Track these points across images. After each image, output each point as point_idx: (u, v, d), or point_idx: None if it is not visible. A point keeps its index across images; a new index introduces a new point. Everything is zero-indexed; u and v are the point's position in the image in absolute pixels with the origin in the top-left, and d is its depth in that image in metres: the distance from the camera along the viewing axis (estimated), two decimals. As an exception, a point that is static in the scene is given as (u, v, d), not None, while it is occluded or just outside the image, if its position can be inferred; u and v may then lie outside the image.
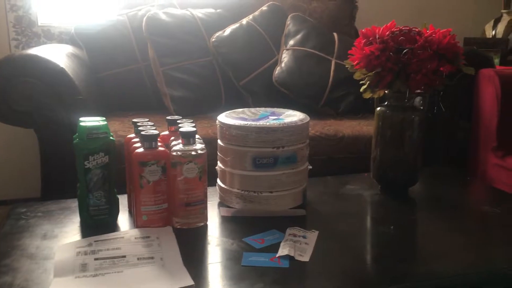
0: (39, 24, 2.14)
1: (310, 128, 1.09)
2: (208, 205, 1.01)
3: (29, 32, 2.13)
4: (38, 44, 2.13)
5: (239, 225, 1.00)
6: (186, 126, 1.00)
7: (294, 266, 0.82)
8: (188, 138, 0.95)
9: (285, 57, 1.99)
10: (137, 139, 0.99)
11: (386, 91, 1.15)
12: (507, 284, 0.85)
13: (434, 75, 1.07)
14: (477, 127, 1.81)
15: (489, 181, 1.71)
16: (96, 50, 1.90)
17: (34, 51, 1.51)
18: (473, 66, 1.14)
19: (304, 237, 0.93)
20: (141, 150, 0.93)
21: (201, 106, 1.90)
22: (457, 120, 1.86)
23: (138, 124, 1.02)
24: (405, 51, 1.06)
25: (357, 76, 1.15)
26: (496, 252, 0.92)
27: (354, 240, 0.95)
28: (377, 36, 1.08)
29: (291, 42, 2.04)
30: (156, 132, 0.95)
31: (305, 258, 0.85)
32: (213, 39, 1.95)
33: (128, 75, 1.93)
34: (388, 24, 1.10)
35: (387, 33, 1.08)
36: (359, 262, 0.86)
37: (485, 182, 1.70)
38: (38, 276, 0.78)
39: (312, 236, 0.93)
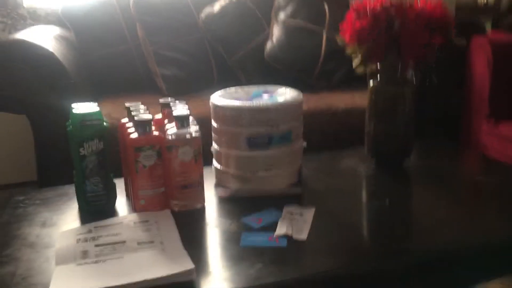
0: (25, 5, 2.10)
1: (303, 104, 1.09)
2: (205, 186, 1.01)
3: (15, 14, 2.08)
4: (24, 26, 2.08)
5: (236, 205, 1.01)
6: (180, 109, 1.00)
7: (292, 244, 0.84)
8: (182, 121, 0.95)
9: (276, 31, 1.97)
10: (130, 124, 0.99)
11: (378, 65, 1.15)
12: (503, 254, 0.86)
13: (425, 48, 1.07)
14: (469, 95, 1.82)
15: (482, 149, 1.72)
16: (84, 32, 1.88)
17: (21, 35, 1.49)
18: (465, 34, 1.14)
19: (301, 214, 0.94)
20: (135, 135, 0.93)
21: (193, 84, 1.89)
22: (449, 89, 1.87)
23: (131, 109, 1.02)
24: (396, 24, 1.05)
25: (349, 51, 1.15)
26: (491, 223, 0.93)
27: (350, 216, 0.96)
28: (368, 10, 1.07)
29: (282, 15, 2.01)
30: (149, 116, 0.94)
31: (303, 236, 0.86)
32: (203, 16, 1.93)
33: (118, 56, 1.91)
34: (379, -2, 1.09)
35: (379, 6, 1.07)
36: (356, 239, 0.88)
37: (478, 151, 1.71)
38: (40, 265, 0.79)
39: (309, 213, 0.94)
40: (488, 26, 2.47)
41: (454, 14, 2.56)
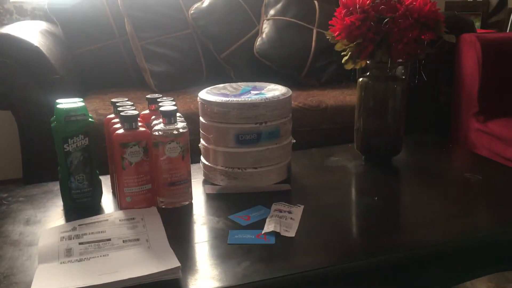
0: (11, 0, 2.06)
1: (293, 100, 1.09)
2: (193, 183, 1.00)
3: (0, 9, 2.05)
4: (10, 21, 2.06)
5: (224, 202, 1.00)
6: (167, 104, 0.98)
7: (280, 242, 0.83)
8: (169, 117, 0.93)
9: (266, 28, 1.96)
10: (117, 120, 0.97)
11: (368, 62, 1.14)
12: (491, 250, 0.86)
13: (415, 44, 1.07)
14: (458, 92, 1.82)
15: (471, 146, 1.73)
16: (71, 26, 1.85)
17: (6, 30, 1.46)
18: (454, 31, 1.13)
19: (289, 212, 0.93)
20: (121, 131, 0.92)
21: (182, 81, 1.88)
22: (439, 86, 1.87)
23: (118, 104, 1.00)
24: (386, 20, 1.04)
25: (338, 47, 1.14)
26: (479, 219, 0.93)
27: (339, 212, 0.95)
28: (357, 6, 1.06)
29: (272, 12, 2.00)
30: (136, 112, 0.93)
31: (291, 233, 0.85)
32: (192, 11, 1.91)
33: (106, 51, 1.89)
34: (369, -7, 1.08)
35: (368, 2, 1.06)
36: (345, 235, 0.87)
37: (467, 148, 1.72)
38: (23, 263, 0.77)
39: (298, 211, 0.93)
40: (478, 25, 2.48)
41: (443, 11, 2.57)
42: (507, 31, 2.49)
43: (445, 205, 0.98)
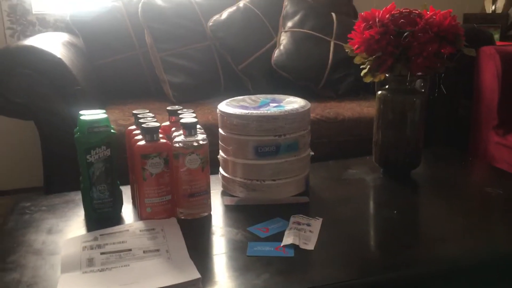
0: (34, 12, 2.11)
1: (310, 112, 1.09)
2: (212, 194, 1.01)
3: (24, 20, 2.10)
4: (33, 32, 2.10)
5: (243, 214, 1.00)
6: (187, 116, 0.99)
7: (299, 255, 0.83)
8: (189, 129, 0.94)
9: (284, 39, 1.97)
10: (138, 131, 0.99)
11: (387, 75, 1.14)
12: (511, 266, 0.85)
13: (435, 58, 1.06)
14: (478, 105, 1.81)
15: (491, 160, 1.71)
16: (92, 38, 1.89)
17: (30, 41, 1.50)
18: (473, 44, 1.13)
19: (308, 224, 0.93)
20: (142, 142, 0.93)
21: (201, 92, 1.89)
22: (458, 99, 1.86)
23: (139, 116, 1.02)
24: (405, 34, 1.04)
25: (357, 60, 1.14)
26: (499, 235, 0.92)
27: (358, 226, 0.95)
28: (377, 20, 1.07)
29: (289, 24, 2.02)
30: (157, 124, 0.94)
31: (310, 246, 0.85)
32: (210, 23, 1.93)
33: (126, 62, 1.92)
34: (388, 7, 1.09)
35: (387, 16, 1.07)
36: (363, 249, 0.87)
37: (486, 161, 1.70)
38: (45, 272, 0.79)
39: (316, 224, 0.94)
40: (497, 38, 2.46)
41: (462, 23, 2.56)
42: (527, 43, 2.47)
43: (465, 220, 0.97)
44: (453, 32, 1.07)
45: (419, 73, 1.11)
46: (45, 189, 1.54)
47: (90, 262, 0.80)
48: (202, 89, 1.91)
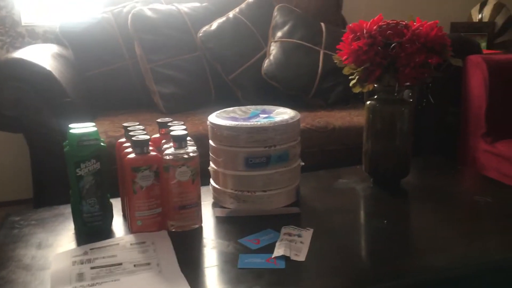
0: (23, 23, 2.11)
1: (300, 121, 1.10)
2: (202, 205, 1.01)
3: (13, 32, 2.10)
4: (22, 44, 2.10)
5: (234, 225, 1.00)
6: (177, 129, 0.99)
7: (290, 266, 0.83)
8: (179, 141, 0.95)
9: (273, 49, 1.98)
10: (128, 144, 0.99)
11: (375, 85, 1.15)
12: (502, 275, 0.86)
13: (422, 68, 1.08)
14: (466, 113, 1.83)
15: (479, 167, 1.73)
16: (82, 49, 1.88)
17: (19, 54, 1.49)
18: (461, 52, 1.15)
19: (299, 235, 0.93)
20: (132, 155, 0.93)
21: (191, 102, 1.90)
22: (446, 107, 1.87)
23: (129, 128, 1.02)
24: (393, 45, 1.06)
25: (346, 71, 1.15)
26: (489, 243, 0.93)
27: (348, 236, 0.96)
28: (364, 31, 1.08)
29: (279, 34, 2.03)
30: (147, 137, 0.94)
31: (301, 257, 0.85)
32: (200, 34, 1.94)
33: (116, 73, 1.91)
34: (375, 18, 1.10)
35: (375, 27, 1.08)
36: (354, 260, 0.87)
37: (475, 170, 1.72)
38: (35, 288, 0.78)
39: (307, 235, 0.94)
40: (484, 46, 2.49)
41: (449, 32, 2.59)
42: (514, 51, 2.51)
43: (455, 229, 0.98)
44: (440, 42, 1.08)
45: (407, 83, 1.12)
46: (34, 201, 1.53)
47: (80, 277, 0.79)
48: (192, 99, 1.91)
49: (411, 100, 1.19)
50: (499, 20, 2.56)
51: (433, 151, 1.79)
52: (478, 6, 2.66)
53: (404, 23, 1.10)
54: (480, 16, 2.63)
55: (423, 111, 1.62)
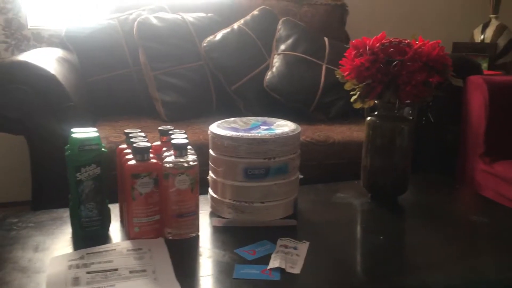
0: (29, 27, 2.13)
1: (301, 134, 1.11)
2: (200, 214, 1.01)
3: (18, 35, 2.11)
4: (28, 47, 2.11)
5: (230, 235, 1.00)
6: (178, 137, 1.00)
7: (285, 278, 0.83)
8: (180, 150, 0.95)
9: (276, 62, 2.00)
10: (129, 150, 1.00)
11: (376, 101, 1.16)
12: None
13: (423, 86, 1.09)
14: (465, 133, 1.83)
15: (477, 187, 1.73)
16: (87, 54, 1.90)
17: (24, 57, 1.51)
18: (462, 73, 1.16)
19: (295, 248, 0.94)
20: (133, 162, 0.93)
21: (193, 111, 1.91)
22: (446, 125, 1.88)
23: (130, 135, 1.02)
24: (395, 63, 1.07)
25: (347, 86, 1.16)
26: (485, 263, 0.93)
27: (344, 251, 0.96)
28: (367, 48, 1.09)
29: (282, 47, 2.05)
30: (148, 144, 0.95)
31: (296, 270, 0.86)
32: (205, 44, 1.95)
33: (119, 80, 1.93)
34: (378, 36, 1.11)
35: (377, 44, 1.09)
36: (349, 274, 0.87)
37: (473, 189, 1.72)
38: (30, 290, 0.78)
39: (303, 247, 0.94)
40: (485, 66, 2.51)
41: (451, 52, 2.61)
42: (515, 72, 2.53)
43: (451, 247, 0.98)
44: (441, 62, 1.09)
45: (408, 101, 1.13)
46: (32, 204, 1.53)
47: (76, 281, 0.80)
48: (194, 108, 1.92)
49: (411, 117, 1.20)
50: (501, 42, 2.58)
51: (431, 168, 1.80)
52: (480, 27, 2.68)
53: (406, 41, 1.12)
54: (482, 37, 2.65)
55: (423, 129, 1.63)
